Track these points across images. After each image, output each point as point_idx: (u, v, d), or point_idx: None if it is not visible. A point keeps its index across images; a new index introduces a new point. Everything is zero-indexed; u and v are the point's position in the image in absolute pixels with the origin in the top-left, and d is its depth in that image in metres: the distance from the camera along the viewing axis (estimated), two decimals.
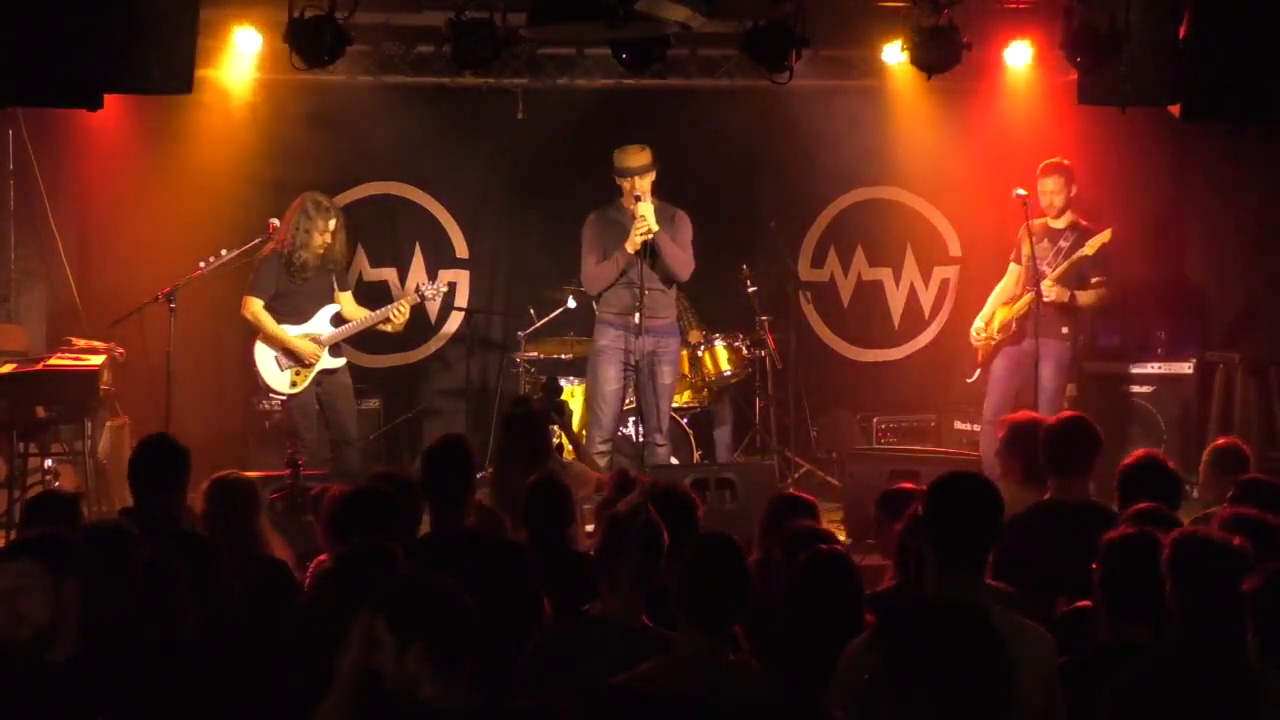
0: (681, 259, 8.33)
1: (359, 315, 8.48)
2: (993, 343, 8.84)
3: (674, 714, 3.54)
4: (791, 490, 6.56)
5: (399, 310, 8.46)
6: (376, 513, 4.61)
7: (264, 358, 8.32)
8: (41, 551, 3.70)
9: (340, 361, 8.46)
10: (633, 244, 8.17)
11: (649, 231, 8.12)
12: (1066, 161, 8.76)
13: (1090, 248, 8.46)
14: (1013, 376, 8.77)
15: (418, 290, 8.73)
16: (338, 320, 8.40)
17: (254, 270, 8.33)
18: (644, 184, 8.23)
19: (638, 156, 8.28)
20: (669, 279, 8.40)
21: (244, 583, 4.51)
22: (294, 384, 8.29)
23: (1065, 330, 8.62)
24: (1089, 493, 5.47)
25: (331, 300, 8.41)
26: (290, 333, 8.27)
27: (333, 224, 8.29)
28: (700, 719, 3.55)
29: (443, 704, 3.27)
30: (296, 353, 8.26)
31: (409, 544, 4.70)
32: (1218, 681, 3.47)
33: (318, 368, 8.30)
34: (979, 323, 8.93)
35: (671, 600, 3.70)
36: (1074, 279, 8.60)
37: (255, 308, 8.25)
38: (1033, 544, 4.87)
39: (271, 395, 8.59)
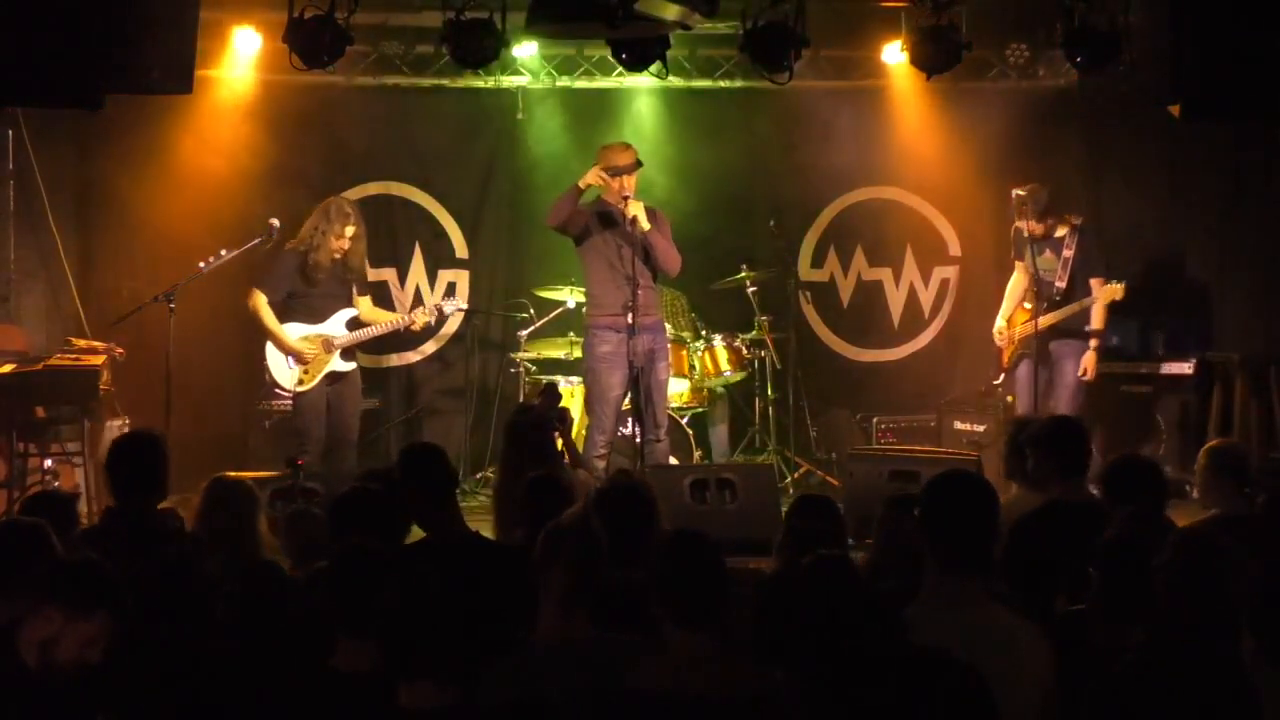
0: (673, 254, 8.32)
1: (379, 319, 8.45)
2: (1014, 345, 8.97)
3: (676, 713, 3.55)
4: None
5: (412, 321, 8.44)
6: (370, 512, 4.60)
7: (274, 353, 8.28)
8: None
9: (351, 365, 8.40)
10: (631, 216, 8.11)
11: (636, 222, 8.09)
12: (1024, 191, 8.72)
13: (1101, 300, 8.62)
14: (1036, 377, 8.85)
15: (438, 308, 8.66)
16: (354, 324, 8.35)
17: (268, 263, 8.32)
18: (632, 182, 8.21)
19: (627, 154, 8.26)
20: (660, 276, 8.41)
21: (241, 584, 4.52)
22: (301, 381, 8.25)
23: (1086, 328, 8.73)
24: (1090, 491, 5.47)
25: (349, 304, 8.38)
26: (299, 333, 8.24)
27: (349, 230, 8.19)
28: (702, 716, 3.55)
29: (411, 704, 3.28)
30: (293, 353, 8.23)
31: (404, 544, 4.71)
32: (1210, 681, 3.46)
33: (328, 368, 8.27)
34: (1000, 322, 9.06)
35: (654, 603, 3.69)
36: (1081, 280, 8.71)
37: (259, 301, 8.21)
38: (1042, 544, 4.85)
39: (277, 391, 8.56)
